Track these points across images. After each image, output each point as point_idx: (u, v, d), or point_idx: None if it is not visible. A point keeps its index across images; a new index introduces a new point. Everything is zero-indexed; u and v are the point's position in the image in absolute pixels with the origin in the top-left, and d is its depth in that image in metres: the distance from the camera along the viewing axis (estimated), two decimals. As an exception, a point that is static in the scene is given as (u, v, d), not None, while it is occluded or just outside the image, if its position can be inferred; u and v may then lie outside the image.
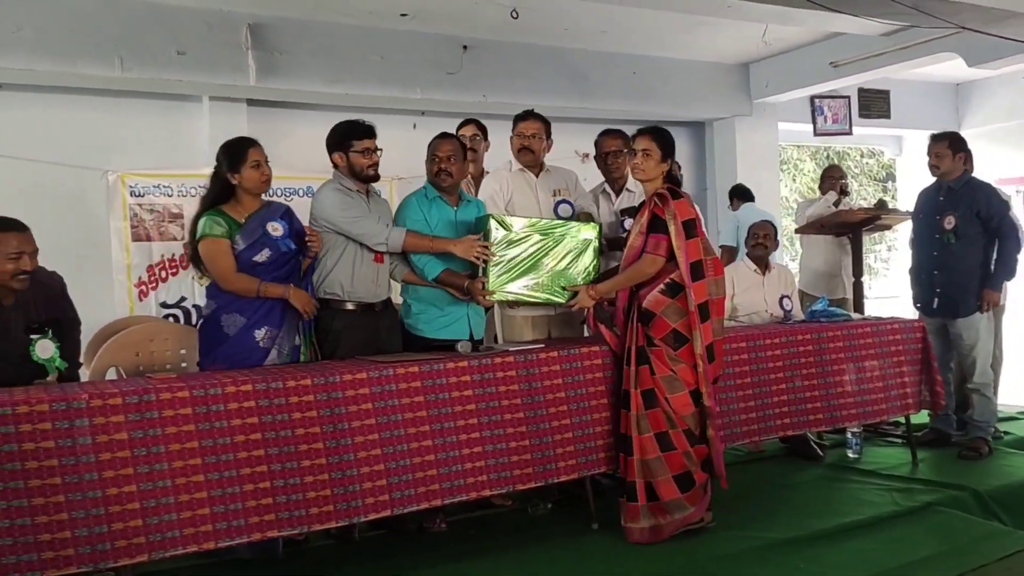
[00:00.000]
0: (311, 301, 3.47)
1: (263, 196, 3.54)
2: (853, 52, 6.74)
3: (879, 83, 8.03)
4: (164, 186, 5.71)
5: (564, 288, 3.72)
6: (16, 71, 5.18)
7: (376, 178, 3.70)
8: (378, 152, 3.66)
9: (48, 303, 3.32)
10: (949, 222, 4.68)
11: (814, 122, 8.02)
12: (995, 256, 4.68)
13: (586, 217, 4.08)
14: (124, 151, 5.73)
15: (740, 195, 6.56)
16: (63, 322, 3.36)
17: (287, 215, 3.54)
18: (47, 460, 2.62)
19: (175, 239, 5.73)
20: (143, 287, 5.65)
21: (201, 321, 3.54)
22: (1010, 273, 4.74)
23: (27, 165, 5.45)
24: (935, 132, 4.97)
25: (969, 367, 4.72)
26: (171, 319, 5.58)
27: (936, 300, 4.77)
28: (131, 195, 5.62)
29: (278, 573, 3.33)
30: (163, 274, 5.70)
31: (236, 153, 3.42)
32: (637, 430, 3.51)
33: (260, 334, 3.39)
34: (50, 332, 3.21)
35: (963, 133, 8.72)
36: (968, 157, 4.89)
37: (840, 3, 4.38)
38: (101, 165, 5.59)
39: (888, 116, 8.35)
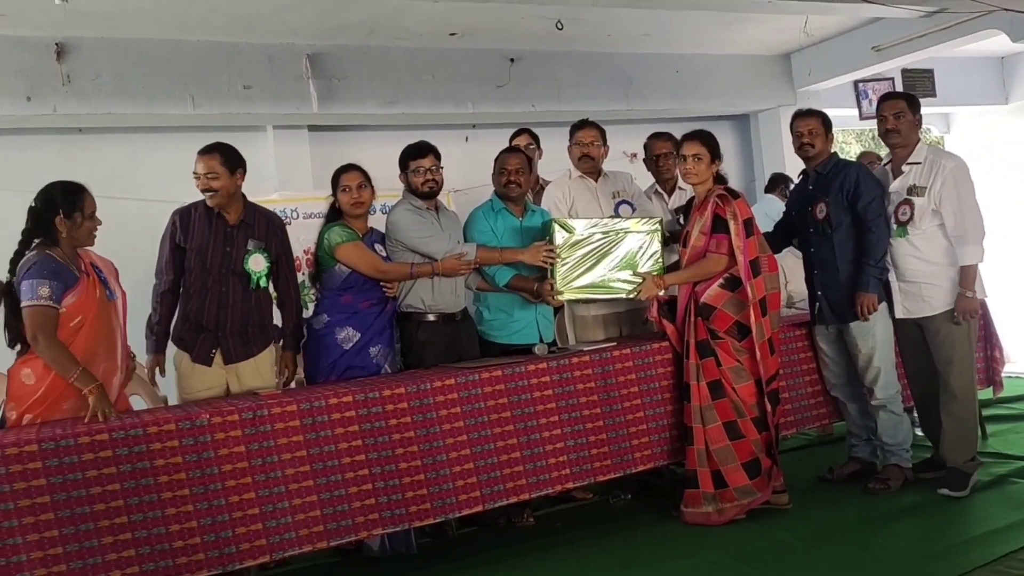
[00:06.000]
0: (461, 264, 3.72)
1: (368, 222, 3.85)
2: (895, 35, 6.76)
3: (923, 62, 7.99)
4: (236, 214, 5.99)
5: (633, 273, 3.85)
6: (97, 115, 5.52)
7: (432, 195, 3.89)
8: (434, 170, 3.85)
9: (268, 231, 3.66)
10: (820, 210, 3.94)
11: (859, 106, 8.03)
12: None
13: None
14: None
15: (781, 182, 6.61)
16: (280, 255, 3.69)
17: (382, 241, 3.84)
18: (176, 474, 2.89)
19: (249, 263, 6.01)
20: (224, 310, 5.94)
21: (310, 334, 3.78)
22: (881, 270, 3.89)
23: (109, 202, 5.73)
24: (801, 108, 4.23)
25: (870, 380, 3.95)
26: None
27: (818, 304, 4.04)
28: (207, 224, 5.91)
29: (380, 570, 3.57)
30: (242, 297, 5.98)
31: (334, 179, 3.80)
32: (701, 421, 3.67)
33: (375, 351, 3.67)
34: (267, 252, 3.58)
35: (1011, 107, 8.75)
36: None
37: (882, -5, 4.44)
38: (178, 198, 5.84)
39: (934, 95, 8.30)
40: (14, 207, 5.57)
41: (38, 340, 3.06)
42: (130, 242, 5.53)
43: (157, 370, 3.60)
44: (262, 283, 3.60)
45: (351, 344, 3.64)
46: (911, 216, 3.84)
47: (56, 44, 5.24)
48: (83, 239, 3.26)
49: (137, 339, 3.63)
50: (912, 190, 3.87)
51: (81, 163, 5.85)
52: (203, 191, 3.55)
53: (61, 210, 3.19)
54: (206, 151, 3.57)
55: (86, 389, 3.05)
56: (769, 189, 6.63)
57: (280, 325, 3.78)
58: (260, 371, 3.62)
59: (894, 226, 3.89)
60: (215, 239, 3.53)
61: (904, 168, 3.93)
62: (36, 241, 3.22)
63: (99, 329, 3.23)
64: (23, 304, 3.10)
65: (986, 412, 4.79)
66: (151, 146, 6.03)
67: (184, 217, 3.56)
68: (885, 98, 4.06)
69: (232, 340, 3.55)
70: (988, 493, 3.85)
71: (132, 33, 5.39)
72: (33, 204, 3.25)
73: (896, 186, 3.94)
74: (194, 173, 3.55)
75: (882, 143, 4.19)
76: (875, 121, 4.14)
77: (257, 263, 3.57)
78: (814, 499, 3.90)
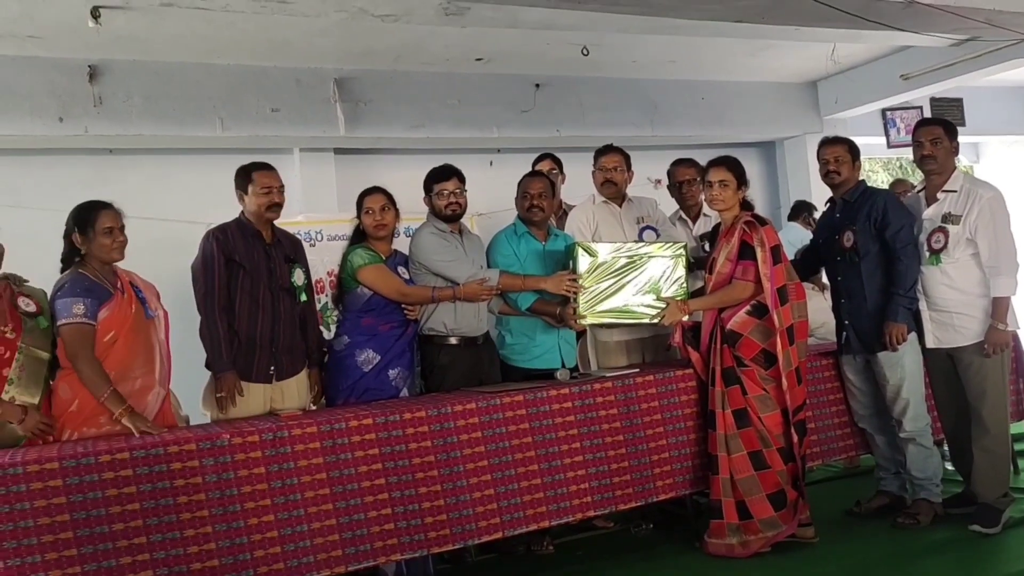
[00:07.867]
0: (483, 289, 3.72)
1: (393, 244, 3.87)
2: (923, 63, 6.73)
3: (951, 91, 7.94)
4: (262, 235, 6.04)
5: (657, 298, 3.81)
6: (127, 136, 5.62)
7: (455, 218, 3.89)
8: (458, 193, 3.86)
9: (296, 249, 3.78)
10: (848, 239, 3.88)
11: (887, 135, 7.98)
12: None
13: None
14: (226, 204, 6.07)
15: (804, 210, 6.54)
16: (308, 271, 3.80)
17: (405, 264, 3.85)
18: (196, 494, 2.88)
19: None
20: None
21: (331, 355, 3.78)
22: (911, 300, 3.79)
23: (139, 223, 5.81)
24: (828, 136, 4.22)
25: (899, 412, 3.86)
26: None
27: (845, 334, 3.97)
28: (234, 245, 5.96)
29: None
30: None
31: (358, 201, 3.83)
32: (726, 450, 3.61)
33: (394, 374, 3.66)
34: (302, 268, 3.72)
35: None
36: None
37: (911, 23, 4.43)
38: (206, 218, 5.94)
39: (963, 123, 8.21)
40: (46, 226, 5.64)
41: (78, 357, 3.12)
42: (159, 262, 5.57)
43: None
44: (303, 297, 3.67)
45: (370, 366, 3.63)
46: (945, 244, 3.76)
47: (89, 66, 5.35)
48: (101, 255, 3.28)
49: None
50: (947, 218, 3.78)
51: (111, 184, 5.92)
52: (272, 206, 3.62)
53: (76, 228, 3.26)
54: (269, 167, 3.67)
55: (116, 412, 3.09)
56: (792, 217, 6.56)
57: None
58: (300, 388, 3.67)
59: (927, 254, 3.81)
60: (258, 256, 3.58)
61: (939, 196, 3.85)
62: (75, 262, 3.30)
63: (134, 343, 3.26)
64: (59, 323, 3.15)
65: (1018, 446, 4.67)
66: (181, 167, 6.10)
67: (223, 235, 3.58)
68: (922, 124, 3.99)
69: (285, 357, 3.60)
70: (1021, 530, 3.74)
71: (163, 56, 5.48)
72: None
73: (930, 213, 3.85)
74: (264, 188, 3.59)
75: (912, 171, 4.14)
76: (903, 149, 4.08)
77: (300, 277, 3.67)
78: (841, 533, 3.82)
